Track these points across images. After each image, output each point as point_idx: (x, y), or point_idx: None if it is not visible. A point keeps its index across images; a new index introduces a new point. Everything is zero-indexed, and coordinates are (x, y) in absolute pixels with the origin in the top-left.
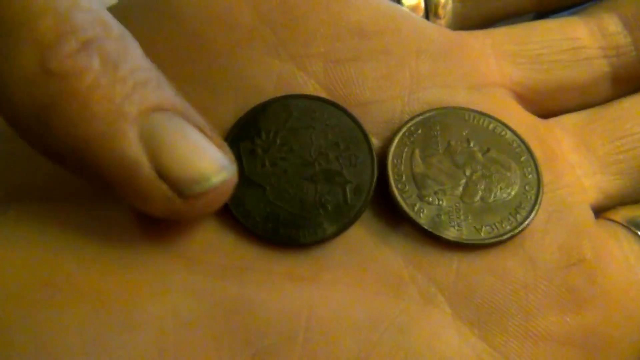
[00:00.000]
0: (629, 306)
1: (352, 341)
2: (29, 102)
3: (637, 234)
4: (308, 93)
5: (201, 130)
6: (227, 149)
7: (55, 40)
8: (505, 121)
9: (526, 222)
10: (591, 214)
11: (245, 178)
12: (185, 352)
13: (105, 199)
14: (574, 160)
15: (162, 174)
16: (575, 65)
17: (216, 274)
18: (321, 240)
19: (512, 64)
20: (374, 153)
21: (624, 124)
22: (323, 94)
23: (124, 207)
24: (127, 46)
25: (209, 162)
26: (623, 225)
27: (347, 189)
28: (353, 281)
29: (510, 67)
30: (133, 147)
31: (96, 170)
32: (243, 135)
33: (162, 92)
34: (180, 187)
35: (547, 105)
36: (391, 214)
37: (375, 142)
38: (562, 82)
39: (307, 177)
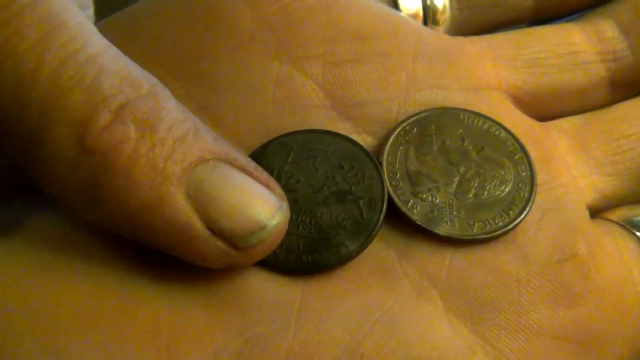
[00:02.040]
0: (623, 302)
1: (344, 330)
2: (75, 182)
3: (633, 233)
4: (303, 128)
5: (246, 172)
6: (274, 183)
7: (88, 115)
8: (501, 122)
9: (519, 219)
10: (586, 212)
11: None
12: (179, 336)
13: None
14: (570, 160)
15: (216, 230)
16: (572, 70)
17: None
18: (345, 259)
19: (508, 68)
20: (380, 167)
21: (620, 126)
22: (321, 95)
23: None
24: (159, 100)
25: (261, 208)
26: (619, 224)
27: (361, 204)
28: (346, 273)
29: (506, 71)
30: (182, 209)
31: (151, 236)
32: None
33: (202, 141)
34: (235, 241)
35: (544, 109)
36: (386, 210)
37: (371, 141)
38: (559, 86)
39: (319, 202)
